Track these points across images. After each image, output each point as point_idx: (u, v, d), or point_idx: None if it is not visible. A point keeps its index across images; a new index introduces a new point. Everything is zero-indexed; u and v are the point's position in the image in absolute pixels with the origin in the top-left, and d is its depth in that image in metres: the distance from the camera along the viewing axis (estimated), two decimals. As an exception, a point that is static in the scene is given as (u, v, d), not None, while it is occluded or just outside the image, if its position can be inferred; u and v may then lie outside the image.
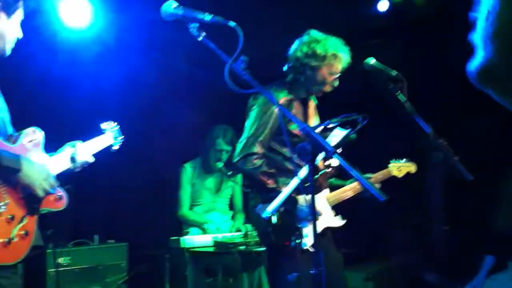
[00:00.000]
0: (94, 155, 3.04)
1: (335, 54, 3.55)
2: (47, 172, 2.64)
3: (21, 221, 2.53)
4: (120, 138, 3.31)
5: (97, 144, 3.12)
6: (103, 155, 3.13)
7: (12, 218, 2.49)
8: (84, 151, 2.97)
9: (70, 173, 2.93)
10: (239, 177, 5.19)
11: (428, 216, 5.56)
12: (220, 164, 5.16)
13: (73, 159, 2.90)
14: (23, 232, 2.52)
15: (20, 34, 2.76)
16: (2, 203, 2.44)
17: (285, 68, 3.68)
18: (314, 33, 3.61)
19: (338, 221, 3.70)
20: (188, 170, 5.33)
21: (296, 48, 3.62)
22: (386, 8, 5.67)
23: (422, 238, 5.69)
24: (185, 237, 4.85)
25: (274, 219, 3.25)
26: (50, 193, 2.69)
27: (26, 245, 2.55)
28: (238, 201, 5.47)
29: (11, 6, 2.67)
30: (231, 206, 5.48)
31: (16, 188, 2.53)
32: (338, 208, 3.75)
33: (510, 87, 1.04)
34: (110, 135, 3.24)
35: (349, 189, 3.75)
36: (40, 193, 2.58)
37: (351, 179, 3.79)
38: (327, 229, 3.63)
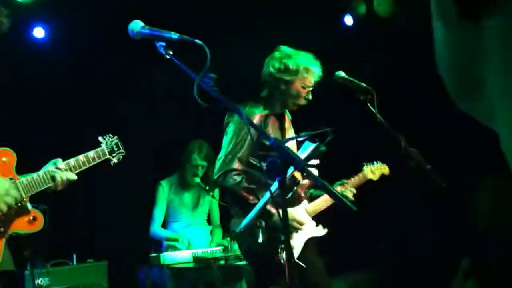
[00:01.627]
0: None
1: (307, 68, 3.63)
2: (8, 186, 2.56)
3: None
4: (119, 152, 3.12)
5: (88, 158, 2.95)
6: (79, 174, 3.05)
7: None
8: (66, 168, 2.84)
9: (50, 192, 2.82)
10: (216, 192, 5.21)
11: (407, 223, 5.65)
12: (197, 179, 5.16)
13: (53, 178, 2.78)
14: None
15: None
16: None
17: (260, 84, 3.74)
18: (285, 49, 3.69)
19: (320, 231, 3.75)
20: (164, 187, 5.33)
21: (268, 64, 3.69)
22: (351, 23, 5.80)
23: (404, 244, 5.75)
24: (165, 253, 4.85)
25: (259, 236, 3.27)
26: (24, 214, 2.63)
27: None
28: (216, 216, 5.47)
29: None
30: (209, 221, 5.49)
31: None
32: (319, 217, 3.79)
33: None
34: (104, 149, 3.06)
35: (327, 199, 3.77)
36: (3, 207, 2.50)
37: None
38: (310, 240, 3.67)
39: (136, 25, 2.38)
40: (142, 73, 5.68)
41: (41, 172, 2.79)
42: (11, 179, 2.66)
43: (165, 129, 5.78)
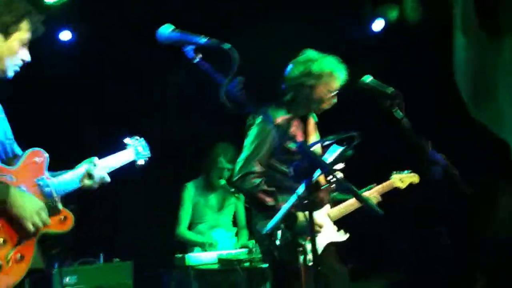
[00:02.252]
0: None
1: (331, 72, 3.60)
2: (39, 206, 2.57)
3: (16, 244, 2.47)
4: (145, 153, 3.19)
5: (116, 160, 3.01)
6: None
7: (4, 242, 2.43)
8: (101, 168, 2.88)
9: (84, 192, 2.85)
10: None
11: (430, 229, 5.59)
12: (222, 181, 5.20)
13: (90, 176, 2.83)
14: (18, 256, 2.46)
15: (26, 57, 2.70)
16: None
17: (282, 88, 3.72)
18: (310, 52, 3.67)
19: (341, 236, 3.72)
20: (190, 189, 5.37)
21: (292, 68, 3.66)
22: (381, 27, 5.75)
23: (426, 250, 5.70)
24: (190, 254, 4.88)
25: (278, 238, 3.26)
26: (55, 214, 2.66)
27: (21, 269, 2.48)
28: (241, 217, 5.49)
29: (8, 26, 2.62)
30: (235, 223, 5.52)
31: (8, 214, 2.46)
32: (341, 222, 3.77)
33: None
34: (132, 151, 3.12)
35: (351, 204, 3.76)
36: (30, 227, 2.50)
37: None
38: (330, 245, 3.65)
39: (166, 30, 2.40)
40: (165, 74, 5.72)
41: (75, 172, 2.82)
42: (43, 179, 2.70)
43: (190, 130, 5.83)
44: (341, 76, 3.63)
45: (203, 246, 5.10)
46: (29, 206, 2.52)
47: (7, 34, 2.63)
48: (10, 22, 2.62)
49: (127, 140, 3.17)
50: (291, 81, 3.66)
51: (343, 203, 3.78)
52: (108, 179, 2.91)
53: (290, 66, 3.69)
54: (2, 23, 2.60)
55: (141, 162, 3.17)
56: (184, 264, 4.76)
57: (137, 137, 3.20)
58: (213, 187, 5.34)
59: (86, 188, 2.85)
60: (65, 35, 5.59)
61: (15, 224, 2.49)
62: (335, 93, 3.65)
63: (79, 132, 5.46)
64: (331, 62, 3.63)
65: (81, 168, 2.83)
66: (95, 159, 2.90)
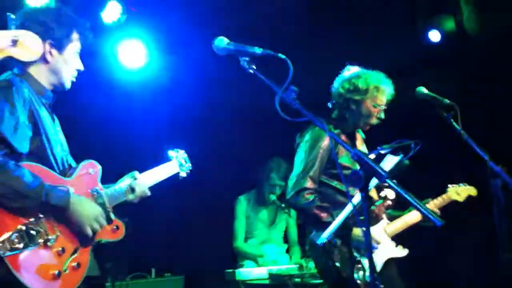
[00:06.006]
0: (152, 188, 3.00)
1: (377, 87, 3.60)
2: (98, 211, 2.63)
3: (73, 253, 2.53)
4: (187, 165, 3.28)
5: (160, 172, 3.08)
6: (159, 189, 3.13)
7: (63, 250, 2.48)
8: (144, 181, 2.95)
9: (128, 205, 2.91)
10: (293, 210, 5.19)
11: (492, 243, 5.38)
12: (273, 197, 5.19)
13: (132, 190, 2.89)
14: (75, 264, 2.52)
15: (80, 66, 2.78)
16: (52, 236, 2.45)
17: (329, 104, 3.75)
18: (354, 68, 3.70)
19: (400, 251, 3.68)
20: (242, 202, 5.39)
21: (338, 84, 3.69)
22: (438, 39, 5.62)
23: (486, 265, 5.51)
24: (240, 269, 4.87)
25: (335, 254, 3.23)
26: (108, 223, 2.72)
27: (78, 276, 2.54)
28: (293, 234, 5.46)
29: (61, 41, 2.69)
30: (286, 239, 5.47)
31: (68, 221, 2.53)
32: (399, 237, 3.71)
33: None
34: (175, 163, 3.21)
35: (408, 219, 3.73)
36: (89, 232, 2.57)
37: (408, 209, 3.77)
38: (391, 260, 3.61)
39: (221, 42, 2.44)
40: (221, 92, 5.75)
41: (122, 184, 2.89)
42: (96, 189, 2.76)
43: (243, 144, 5.84)
44: (388, 90, 3.64)
45: (257, 261, 5.09)
46: (88, 211, 2.59)
47: (61, 47, 2.71)
48: (62, 36, 2.70)
49: (171, 153, 3.24)
50: (337, 97, 3.68)
51: (399, 218, 3.74)
52: (148, 193, 2.96)
53: (335, 84, 3.72)
54: (55, 38, 2.68)
55: (183, 174, 3.25)
56: (235, 278, 4.75)
57: (179, 150, 3.28)
58: (264, 201, 5.34)
59: (128, 202, 2.91)
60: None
61: (73, 232, 2.56)
62: (382, 107, 3.64)
63: (128, 144, 5.50)
64: (377, 77, 3.64)
65: (125, 182, 2.90)
66: (136, 173, 2.96)
